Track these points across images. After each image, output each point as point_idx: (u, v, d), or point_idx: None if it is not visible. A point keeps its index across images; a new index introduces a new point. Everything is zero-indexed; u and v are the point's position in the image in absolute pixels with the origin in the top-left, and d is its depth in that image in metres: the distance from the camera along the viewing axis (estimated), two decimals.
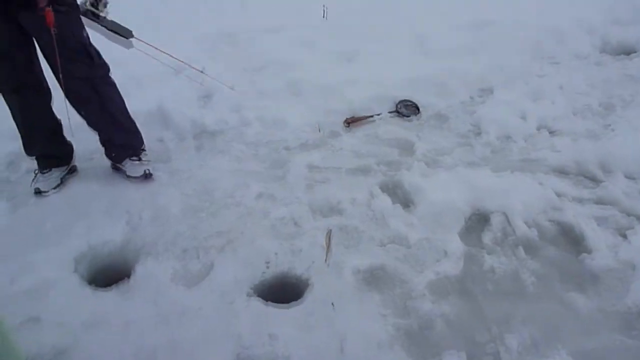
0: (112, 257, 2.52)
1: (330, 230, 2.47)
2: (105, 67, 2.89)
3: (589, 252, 2.40)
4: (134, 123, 3.14)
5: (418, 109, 3.95)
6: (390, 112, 3.92)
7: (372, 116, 3.85)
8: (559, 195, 2.80)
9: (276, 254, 2.47)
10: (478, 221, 2.70)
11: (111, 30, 2.53)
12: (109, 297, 2.27)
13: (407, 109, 3.94)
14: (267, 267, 2.41)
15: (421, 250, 2.49)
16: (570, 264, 2.39)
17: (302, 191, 2.97)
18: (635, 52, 5.03)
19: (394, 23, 5.65)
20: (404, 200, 2.88)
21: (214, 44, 5.22)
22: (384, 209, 2.75)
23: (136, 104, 3.54)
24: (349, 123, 3.76)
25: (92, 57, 2.77)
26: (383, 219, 2.71)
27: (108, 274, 2.45)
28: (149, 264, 2.43)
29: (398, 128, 3.69)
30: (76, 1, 2.42)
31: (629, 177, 2.97)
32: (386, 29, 5.49)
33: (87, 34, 2.76)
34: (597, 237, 2.48)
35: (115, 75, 3.07)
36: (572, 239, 2.54)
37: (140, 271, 2.39)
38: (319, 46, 5.14)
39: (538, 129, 3.58)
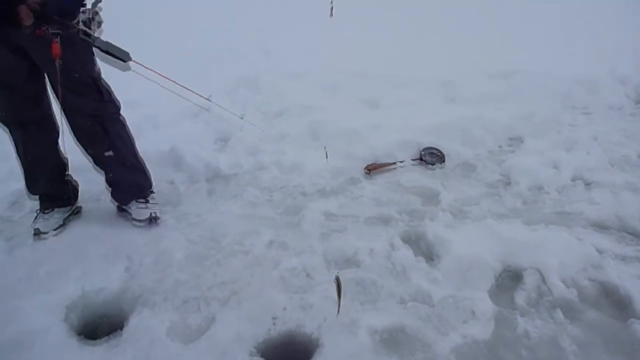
0: (107, 305, 2.32)
1: (338, 276, 2.23)
2: (115, 104, 2.77)
3: (639, 317, 2.12)
4: (143, 164, 2.99)
5: (443, 157, 3.74)
6: (413, 160, 3.72)
7: (394, 163, 3.65)
8: (599, 252, 2.52)
9: (285, 308, 2.24)
10: (510, 279, 2.44)
11: (105, 52, 2.40)
12: (97, 351, 2.05)
13: (431, 157, 3.74)
14: (274, 324, 2.17)
15: (446, 310, 2.23)
16: (617, 331, 2.10)
17: (317, 240, 2.76)
18: None
19: (420, 69, 5.53)
20: (427, 253, 2.64)
21: (234, 88, 5.15)
22: (405, 262, 2.51)
23: (148, 145, 3.43)
24: (370, 170, 3.57)
25: (101, 93, 2.66)
26: (404, 273, 2.47)
27: (100, 324, 2.25)
28: (144, 315, 2.21)
29: (422, 176, 3.48)
30: (73, 25, 2.29)
31: None
32: (412, 74, 5.37)
33: (98, 69, 2.66)
34: None
35: (130, 115, 2.96)
36: (616, 302, 2.26)
37: (134, 322, 2.17)
38: (342, 92, 5.03)
39: (573, 180, 3.33)
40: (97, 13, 2.39)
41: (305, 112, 4.41)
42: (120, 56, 2.42)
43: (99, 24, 2.40)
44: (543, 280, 2.37)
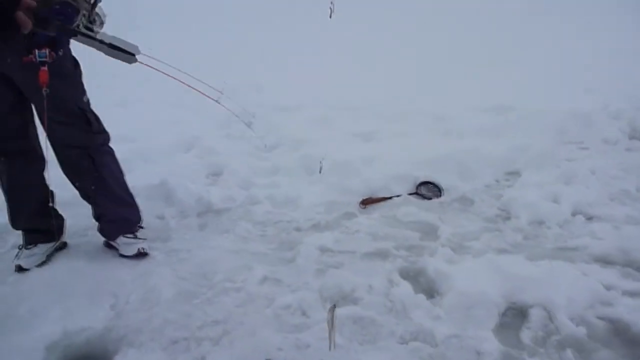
0: (90, 346, 2.18)
1: (334, 306, 2.11)
2: (104, 135, 2.69)
3: None
4: (132, 197, 2.89)
5: (440, 190, 3.67)
6: (410, 194, 3.64)
7: (390, 197, 3.57)
8: (607, 288, 2.43)
9: (280, 349, 2.11)
10: (514, 316, 2.33)
11: (109, 45, 2.26)
12: None
13: (428, 191, 3.66)
14: None
15: (450, 350, 2.11)
16: None
17: (312, 276, 2.64)
18: None
19: (412, 106, 5.53)
20: (428, 289, 2.53)
21: (226, 123, 5.10)
22: (405, 299, 2.40)
23: (138, 179, 3.35)
24: (365, 204, 3.48)
25: (90, 124, 2.58)
26: (404, 310, 2.35)
27: None
28: (130, 357, 2.08)
29: (419, 210, 3.39)
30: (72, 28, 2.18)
31: None
32: (404, 111, 5.35)
33: (87, 99, 2.58)
34: None
35: (120, 150, 2.89)
36: (629, 340, 2.15)
37: None
38: (335, 125, 4.99)
39: (573, 214, 3.25)
40: (97, 14, 2.29)
41: (299, 146, 4.35)
42: (128, 50, 2.30)
43: (102, 23, 2.29)
44: (550, 317, 2.26)
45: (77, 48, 2.49)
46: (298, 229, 3.19)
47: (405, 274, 2.65)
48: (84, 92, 2.56)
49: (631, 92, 5.74)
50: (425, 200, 3.58)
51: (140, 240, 2.83)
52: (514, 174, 4.00)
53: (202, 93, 2.72)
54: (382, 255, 2.86)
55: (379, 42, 8.70)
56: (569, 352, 2.06)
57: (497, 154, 4.16)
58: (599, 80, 6.23)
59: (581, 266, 2.64)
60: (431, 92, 6.05)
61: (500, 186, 3.83)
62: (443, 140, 4.52)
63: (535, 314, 2.29)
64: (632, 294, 2.43)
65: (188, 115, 5.42)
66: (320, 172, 3.43)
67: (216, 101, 2.84)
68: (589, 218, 3.24)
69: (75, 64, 2.52)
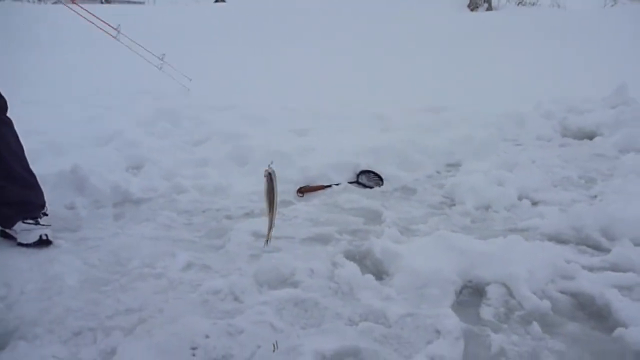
0: None
1: (270, 171, 1.82)
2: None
3: (626, 326, 1.82)
4: (34, 176, 2.49)
5: (381, 179, 3.45)
6: (350, 182, 3.40)
7: (329, 185, 3.31)
8: (567, 262, 2.26)
9: (207, 336, 1.77)
10: (471, 294, 2.11)
11: None
12: None
13: (369, 180, 3.44)
14: (194, 355, 1.70)
15: (405, 330, 1.84)
16: (604, 343, 1.79)
17: (245, 262, 2.33)
18: (597, 136, 4.79)
19: (349, 107, 5.36)
20: (376, 271, 2.27)
21: (152, 121, 4.71)
22: (352, 280, 2.13)
23: (47, 166, 2.95)
24: (302, 192, 3.21)
25: None
26: (351, 292, 2.08)
27: None
28: (19, 351, 1.67)
29: (360, 197, 3.16)
30: None
31: (638, 244, 2.48)
32: (341, 111, 5.18)
33: None
34: (629, 308, 1.91)
35: (27, 142, 2.50)
36: (594, 313, 1.97)
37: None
38: (270, 123, 4.73)
39: (520, 198, 3.12)
40: None
41: (230, 139, 4.04)
42: None
43: None
44: (510, 293, 2.05)
45: None
46: (229, 217, 2.88)
47: (351, 257, 2.38)
48: None
49: (560, 95, 5.84)
50: (367, 189, 3.36)
51: (43, 227, 2.42)
52: (455, 165, 3.88)
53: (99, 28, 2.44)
54: (323, 239, 2.59)
55: (323, 59, 8.62)
56: (535, 326, 1.84)
57: (437, 146, 4.03)
58: (531, 86, 6.34)
59: (536, 243, 2.46)
60: (369, 96, 5.95)
61: (442, 176, 3.69)
62: (382, 134, 4.35)
63: (494, 291, 2.07)
64: (591, 268, 2.27)
65: (108, 112, 4.99)
66: None
67: (116, 29, 2.55)
68: (535, 203, 3.11)
69: None
